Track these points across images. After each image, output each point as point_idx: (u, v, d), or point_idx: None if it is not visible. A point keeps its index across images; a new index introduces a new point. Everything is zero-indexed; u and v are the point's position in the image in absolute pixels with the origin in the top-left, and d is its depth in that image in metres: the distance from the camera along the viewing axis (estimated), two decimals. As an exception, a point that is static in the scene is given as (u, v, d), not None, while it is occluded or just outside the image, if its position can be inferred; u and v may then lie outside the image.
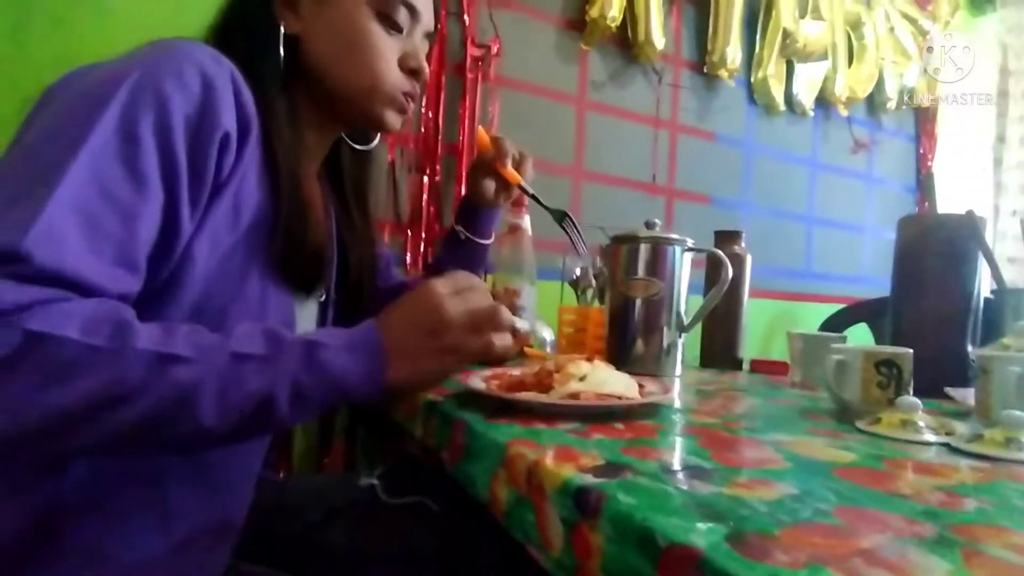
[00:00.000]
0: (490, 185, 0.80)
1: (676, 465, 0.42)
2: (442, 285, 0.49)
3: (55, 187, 0.39)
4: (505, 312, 0.51)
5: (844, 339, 0.91)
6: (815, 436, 0.54)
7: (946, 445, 0.53)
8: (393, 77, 0.61)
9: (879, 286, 2.06)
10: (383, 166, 0.80)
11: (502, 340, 0.50)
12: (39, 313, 0.36)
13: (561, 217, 0.86)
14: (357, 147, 0.71)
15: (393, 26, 0.60)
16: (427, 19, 0.64)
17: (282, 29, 0.57)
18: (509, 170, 0.77)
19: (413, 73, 0.62)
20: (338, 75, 0.59)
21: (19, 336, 0.35)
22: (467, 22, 1.39)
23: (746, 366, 1.13)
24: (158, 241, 0.44)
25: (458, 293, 0.49)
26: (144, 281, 0.44)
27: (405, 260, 1.31)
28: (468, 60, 1.39)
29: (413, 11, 0.62)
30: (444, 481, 0.57)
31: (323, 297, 0.66)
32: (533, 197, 0.82)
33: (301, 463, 1.16)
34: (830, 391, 0.67)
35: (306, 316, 0.64)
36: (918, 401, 0.57)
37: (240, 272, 0.51)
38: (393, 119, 0.63)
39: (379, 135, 0.71)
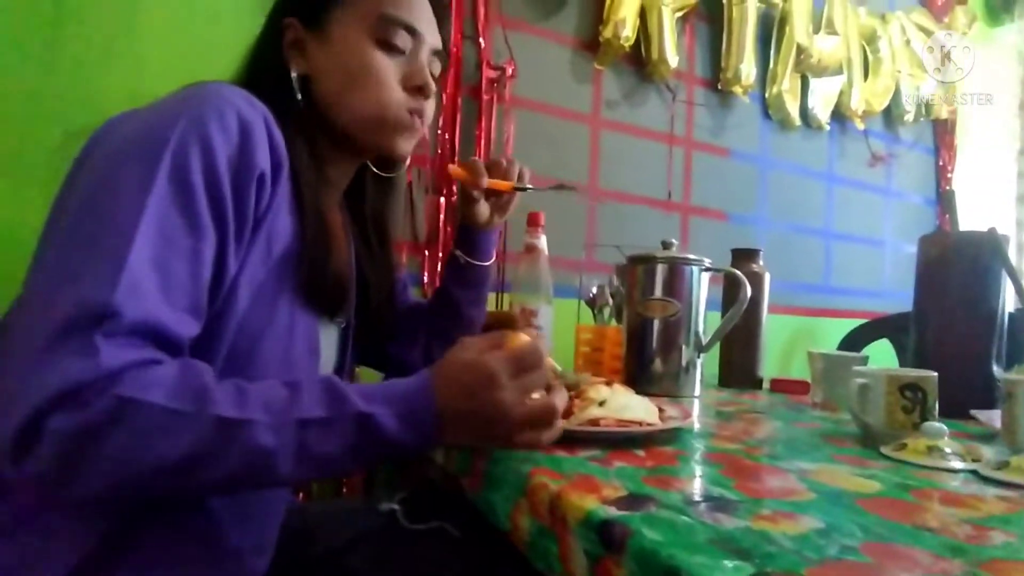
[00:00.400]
0: (482, 209, 0.79)
1: (699, 496, 0.42)
2: (505, 367, 0.47)
3: (131, 243, 0.42)
4: (562, 399, 0.50)
5: (866, 360, 0.90)
6: (839, 464, 0.54)
7: (973, 472, 0.52)
8: (397, 100, 0.61)
9: (900, 300, 2.04)
10: (403, 191, 0.80)
11: (551, 435, 0.49)
12: (129, 378, 0.39)
13: (559, 187, 0.89)
14: (381, 174, 0.73)
15: (394, 49, 0.62)
16: (431, 37, 0.64)
17: (293, 72, 0.60)
18: (495, 181, 0.76)
19: (418, 90, 0.63)
20: (346, 108, 0.61)
21: (112, 401, 0.38)
22: (482, 45, 1.41)
23: (766, 385, 1.12)
24: (211, 279, 0.47)
25: (519, 376, 0.48)
26: None
27: (422, 280, 1.32)
28: (484, 82, 1.41)
29: (413, 32, 0.62)
30: (464, 506, 0.57)
31: (343, 324, 0.67)
32: (532, 188, 0.83)
33: (321, 487, 1.17)
34: (853, 415, 0.67)
35: (328, 338, 0.65)
36: (944, 427, 0.57)
37: (271, 300, 0.53)
38: (403, 145, 0.64)
39: (401, 164, 0.73)
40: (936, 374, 0.65)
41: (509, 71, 1.43)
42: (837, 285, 2.00)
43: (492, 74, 1.42)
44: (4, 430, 0.38)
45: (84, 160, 0.49)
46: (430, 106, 0.65)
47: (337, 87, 0.61)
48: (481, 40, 1.40)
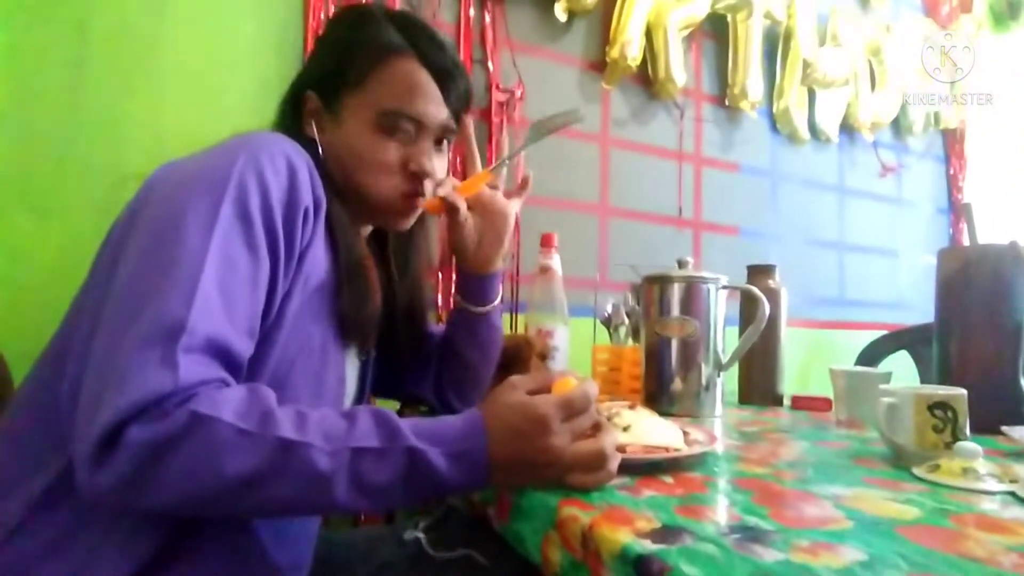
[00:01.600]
0: (470, 232, 0.71)
1: (734, 527, 0.41)
2: (556, 412, 0.47)
3: (201, 267, 0.46)
4: (612, 440, 0.51)
5: (889, 376, 0.89)
6: (873, 488, 0.53)
7: (1011, 494, 0.51)
8: (394, 186, 0.65)
9: (918, 311, 2.02)
10: (426, 228, 0.78)
11: (602, 478, 0.49)
12: (205, 395, 0.43)
13: (538, 133, 0.82)
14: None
15: (398, 132, 0.64)
16: (437, 116, 0.65)
17: (317, 139, 0.64)
18: (465, 182, 0.73)
19: (415, 176, 0.65)
20: (351, 186, 0.64)
21: (188, 416, 0.41)
22: (491, 68, 1.42)
23: (787, 402, 1.11)
24: (264, 304, 0.51)
25: (569, 420, 0.48)
26: None
27: (436, 303, 1.32)
28: (493, 104, 1.42)
29: (416, 121, 0.64)
30: (491, 534, 0.57)
31: (365, 358, 0.69)
32: (510, 156, 0.86)
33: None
34: (882, 435, 0.65)
35: (352, 369, 0.67)
36: (978, 447, 0.55)
37: (307, 328, 0.56)
38: (401, 224, 0.68)
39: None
40: (965, 392, 0.64)
41: (518, 93, 1.45)
42: (852, 297, 1.99)
43: (501, 96, 1.43)
44: (88, 435, 0.41)
45: (143, 201, 0.53)
46: (440, 169, 0.67)
47: (343, 164, 0.64)
48: (490, 63, 1.42)
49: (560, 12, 1.49)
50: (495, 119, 1.42)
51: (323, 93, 0.65)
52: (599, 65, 1.57)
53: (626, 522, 0.41)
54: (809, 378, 1.79)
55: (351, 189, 0.64)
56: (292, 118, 0.66)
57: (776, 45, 1.84)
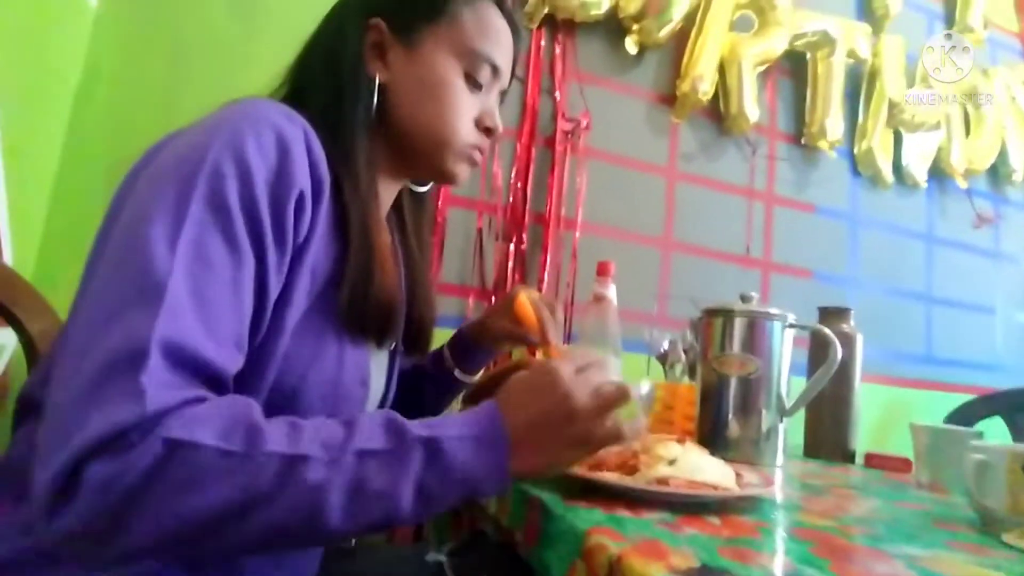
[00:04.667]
0: (499, 330, 0.78)
1: (786, 575, 0.36)
2: (564, 366, 0.46)
3: (168, 274, 0.39)
4: (631, 389, 0.47)
5: (980, 435, 0.79)
6: (955, 551, 0.45)
7: None
8: (466, 131, 0.61)
9: (1015, 374, 1.82)
10: (434, 209, 0.80)
11: (634, 429, 0.47)
12: (176, 419, 0.37)
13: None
14: (416, 189, 0.71)
15: (475, 85, 0.62)
16: (505, 79, 0.65)
17: (374, 75, 0.58)
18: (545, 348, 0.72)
19: (487, 131, 0.64)
20: (417, 125, 0.60)
21: (160, 446, 0.36)
22: (558, 98, 1.43)
23: (859, 459, 1.01)
24: (252, 310, 0.44)
25: (580, 372, 0.47)
26: None
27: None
28: (558, 133, 1.42)
29: (496, 70, 0.63)
30: (516, 561, 0.53)
31: (392, 346, 0.65)
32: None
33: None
34: (970, 497, 0.57)
35: (378, 365, 0.63)
36: (1089, 518, 0.47)
37: (317, 333, 0.51)
38: (463, 172, 0.64)
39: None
40: (1073, 454, 0.55)
41: (584, 123, 1.44)
42: (941, 355, 1.82)
43: (567, 126, 1.43)
44: (42, 482, 0.35)
45: (129, 185, 0.49)
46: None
47: (413, 99, 0.59)
48: (557, 93, 1.43)
49: (631, 45, 1.49)
50: (559, 147, 1.42)
51: (395, 22, 0.59)
52: (669, 99, 1.55)
53: (660, 556, 0.37)
54: (887, 440, 1.64)
55: (416, 128, 0.59)
56: (349, 53, 0.58)
57: (859, 84, 1.76)
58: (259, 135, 0.45)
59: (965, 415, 1.39)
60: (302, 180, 0.47)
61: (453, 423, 0.43)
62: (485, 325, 0.79)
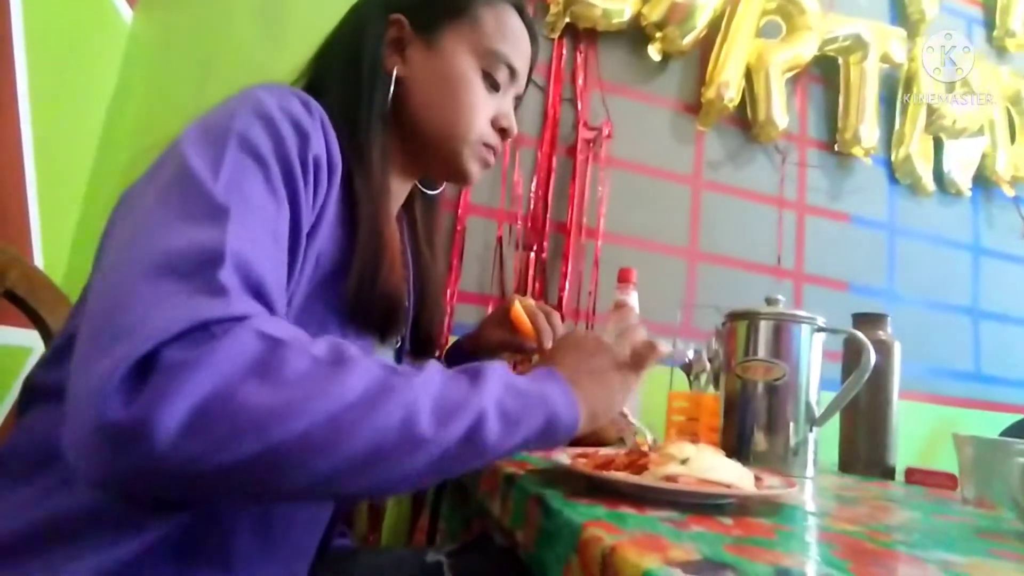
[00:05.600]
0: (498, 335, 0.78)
1: (798, 573, 0.32)
2: (604, 333, 0.50)
3: (229, 202, 0.38)
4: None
5: (1032, 447, 0.73)
6: (997, 559, 0.41)
7: None
8: (481, 129, 0.62)
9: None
10: (445, 211, 0.80)
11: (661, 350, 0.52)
12: (266, 321, 0.34)
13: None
14: (427, 192, 0.72)
15: (493, 84, 0.63)
16: (521, 83, 0.66)
17: (395, 72, 0.59)
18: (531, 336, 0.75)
19: (503, 131, 0.64)
20: (433, 122, 0.60)
21: (254, 335, 0.32)
22: (579, 107, 1.42)
23: (899, 476, 0.94)
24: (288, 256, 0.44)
25: (616, 339, 0.50)
26: None
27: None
28: (579, 142, 1.41)
29: (513, 72, 0.64)
30: (518, 566, 0.50)
31: (399, 343, 0.65)
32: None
33: (389, 534, 1.13)
34: (1015, 507, 0.52)
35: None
36: None
37: (320, 322, 0.50)
38: (476, 170, 0.64)
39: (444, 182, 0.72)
40: None
41: (606, 131, 1.43)
42: (990, 372, 1.71)
43: (588, 135, 1.42)
44: (106, 369, 0.29)
45: (154, 170, 0.47)
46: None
47: (431, 94, 0.60)
48: (579, 102, 1.42)
49: (654, 53, 1.47)
50: (580, 156, 1.40)
51: (416, 18, 0.60)
52: (694, 107, 1.53)
53: (657, 549, 0.34)
54: (932, 462, 1.53)
55: (432, 124, 0.60)
56: (368, 46, 0.59)
57: (895, 89, 1.70)
58: (281, 99, 0.46)
59: (1018, 436, 1.30)
60: (320, 149, 0.48)
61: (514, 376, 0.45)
62: (482, 335, 0.79)
